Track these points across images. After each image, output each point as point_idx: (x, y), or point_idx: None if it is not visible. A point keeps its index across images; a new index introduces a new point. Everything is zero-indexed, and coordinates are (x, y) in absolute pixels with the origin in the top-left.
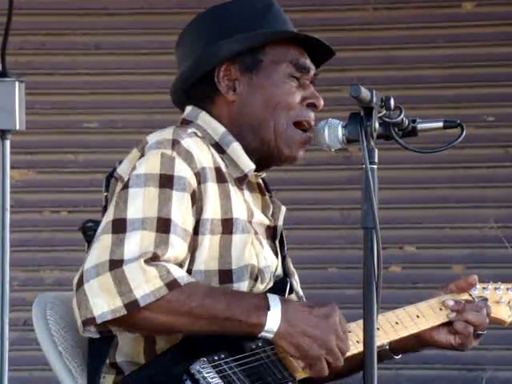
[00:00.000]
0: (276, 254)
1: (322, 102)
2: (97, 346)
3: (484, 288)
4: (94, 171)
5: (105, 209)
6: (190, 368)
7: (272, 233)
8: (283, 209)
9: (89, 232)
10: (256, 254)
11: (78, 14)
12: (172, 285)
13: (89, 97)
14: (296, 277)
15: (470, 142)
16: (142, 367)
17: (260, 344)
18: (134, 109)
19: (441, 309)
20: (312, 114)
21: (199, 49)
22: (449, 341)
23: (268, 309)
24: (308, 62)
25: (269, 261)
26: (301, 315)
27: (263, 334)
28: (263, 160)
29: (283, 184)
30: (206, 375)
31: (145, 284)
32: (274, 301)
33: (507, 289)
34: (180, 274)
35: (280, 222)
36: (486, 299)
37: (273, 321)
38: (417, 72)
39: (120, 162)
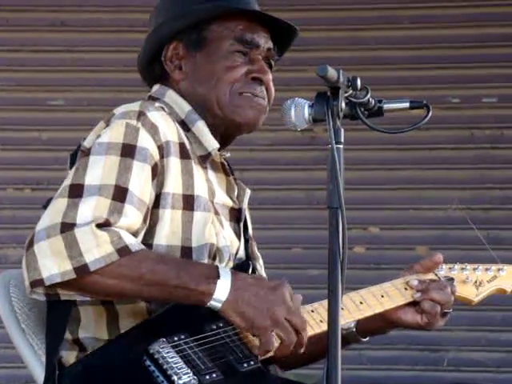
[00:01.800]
0: (239, 237)
1: (269, 77)
2: (54, 320)
3: (450, 268)
4: (59, 149)
5: None
6: (149, 348)
7: (236, 215)
8: (248, 192)
9: None
10: (216, 233)
11: None
12: (123, 251)
13: (54, 74)
14: (260, 261)
15: (435, 124)
16: (103, 347)
17: (221, 324)
18: (100, 86)
19: (406, 288)
20: (258, 87)
21: (151, 28)
22: (416, 320)
23: (218, 278)
24: (257, 36)
25: (228, 241)
26: (249, 286)
27: (211, 302)
28: (225, 133)
29: (248, 164)
30: (165, 355)
31: (95, 248)
32: (225, 271)
33: (474, 269)
34: (132, 240)
35: (245, 205)
36: (452, 279)
37: (221, 290)
38: (383, 53)
39: (85, 139)
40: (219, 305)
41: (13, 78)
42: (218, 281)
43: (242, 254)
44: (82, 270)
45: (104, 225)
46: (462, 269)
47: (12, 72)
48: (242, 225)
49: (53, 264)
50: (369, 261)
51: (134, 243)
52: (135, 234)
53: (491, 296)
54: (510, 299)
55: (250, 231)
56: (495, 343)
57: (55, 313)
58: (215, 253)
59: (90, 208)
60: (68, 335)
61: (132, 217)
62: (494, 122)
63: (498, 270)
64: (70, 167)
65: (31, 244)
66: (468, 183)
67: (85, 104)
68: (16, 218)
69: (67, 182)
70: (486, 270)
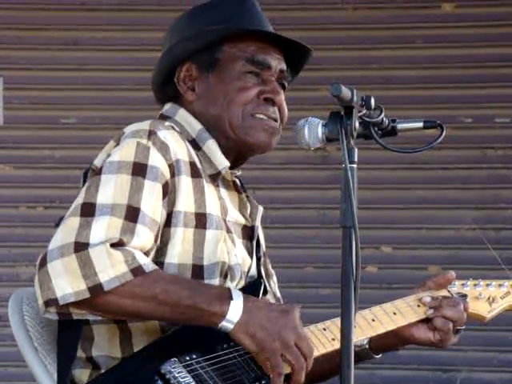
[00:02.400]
0: (251, 255)
1: (281, 97)
2: (65, 338)
3: (463, 284)
4: (71, 167)
5: None
6: (161, 368)
7: (249, 233)
8: (261, 209)
9: None
10: (227, 252)
11: (57, 8)
12: (137, 270)
13: (66, 92)
14: (274, 278)
15: (447, 143)
16: (115, 367)
17: (233, 344)
18: (112, 105)
19: (418, 305)
20: (271, 108)
21: (165, 48)
22: (428, 337)
23: (231, 299)
24: (269, 57)
25: (240, 259)
26: (261, 309)
27: (223, 323)
28: (238, 154)
29: (260, 183)
30: (176, 375)
31: (110, 268)
32: (237, 293)
33: (487, 285)
34: (145, 260)
35: (257, 223)
36: (465, 295)
37: (234, 311)
38: (396, 72)
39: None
40: (231, 326)
41: (25, 96)
42: (231, 302)
43: (253, 272)
44: (96, 289)
45: (118, 244)
46: (475, 285)
47: (25, 90)
48: (254, 243)
49: (67, 283)
50: (381, 280)
51: (148, 263)
52: (147, 254)
53: (503, 315)
54: None
55: (264, 249)
56: (507, 363)
57: (67, 332)
58: (226, 271)
59: (103, 228)
60: (81, 353)
61: (144, 237)
62: (506, 142)
63: None
64: (83, 185)
65: (44, 263)
66: (480, 203)
67: (97, 122)
68: (28, 236)
69: (79, 200)
70: (500, 286)
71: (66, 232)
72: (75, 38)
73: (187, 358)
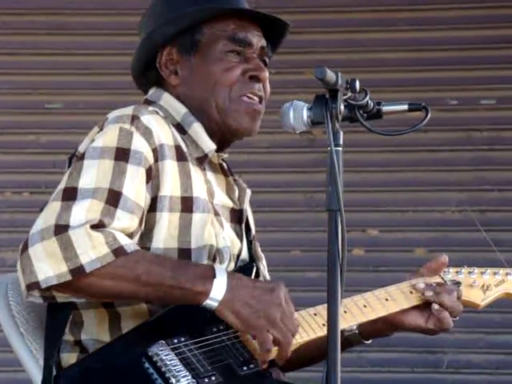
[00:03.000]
0: (241, 238)
1: (265, 74)
2: (53, 322)
3: (457, 272)
4: (56, 152)
5: None
6: (148, 350)
7: (237, 216)
8: (248, 192)
9: None
10: (215, 234)
11: None
12: (118, 251)
13: (52, 77)
14: (264, 261)
15: (433, 126)
16: (101, 349)
17: (222, 327)
18: (98, 90)
19: (411, 292)
20: (256, 85)
21: (144, 32)
22: (419, 324)
23: (214, 277)
24: (250, 35)
25: (228, 241)
26: (245, 286)
27: (208, 301)
28: (222, 137)
29: (246, 166)
30: (163, 358)
31: (91, 250)
32: (220, 271)
33: (481, 273)
34: (127, 241)
35: (246, 206)
36: (459, 283)
37: (217, 289)
38: (380, 55)
39: None
40: (215, 304)
41: (10, 82)
42: (215, 280)
43: (245, 255)
44: (77, 271)
45: (98, 226)
46: (470, 273)
47: (10, 75)
48: (243, 226)
49: (48, 266)
50: (368, 263)
51: (129, 244)
52: (130, 237)
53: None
54: (509, 301)
55: (253, 232)
56: (494, 345)
57: (54, 315)
58: (215, 254)
59: (84, 210)
60: (70, 337)
61: (125, 220)
62: (491, 124)
63: (507, 274)
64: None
65: (26, 247)
66: (466, 185)
67: (82, 107)
68: (14, 221)
69: (61, 185)
70: (494, 273)
71: (47, 216)
72: (61, 22)
73: (175, 341)
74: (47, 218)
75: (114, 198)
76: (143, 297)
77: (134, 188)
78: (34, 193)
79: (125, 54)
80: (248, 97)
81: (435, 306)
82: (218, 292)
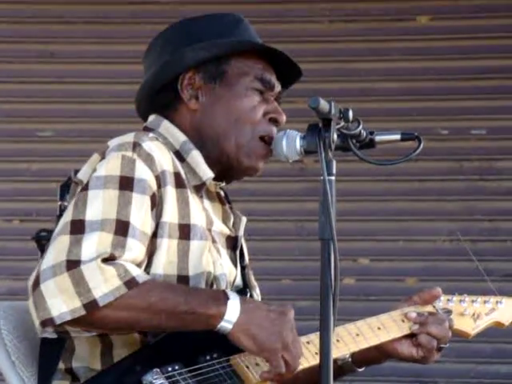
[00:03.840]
0: (235, 265)
1: (284, 118)
2: (48, 350)
3: (448, 300)
4: (48, 180)
5: (59, 218)
6: (142, 379)
7: (232, 243)
8: (244, 219)
9: (42, 241)
10: (213, 262)
11: (33, 22)
12: (130, 283)
13: (43, 105)
14: (257, 290)
15: (424, 155)
16: (96, 377)
17: (215, 355)
18: (89, 118)
19: (403, 321)
20: (274, 129)
21: (164, 57)
22: (411, 353)
23: (227, 299)
24: (273, 78)
25: (225, 269)
26: (259, 309)
27: (222, 324)
28: (224, 170)
29: (238, 195)
30: None
31: (103, 283)
32: (232, 294)
33: (472, 301)
34: (138, 272)
35: (241, 233)
36: (450, 311)
37: (232, 311)
38: (373, 84)
39: (75, 171)
40: (230, 326)
41: (1, 110)
42: (228, 302)
43: (239, 281)
44: (91, 305)
45: (109, 259)
46: (461, 301)
47: (1, 103)
48: (238, 252)
49: (62, 302)
50: (358, 292)
51: (140, 274)
52: (139, 266)
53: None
54: (500, 331)
55: (247, 259)
56: (485, 375)
57: (49, 344)
58: (212, 281)
59: (94, 244)
60: (61, 365)
61: (135, 250)
62: (482, 154)
63: (497, 302)
64: (60, 198)
65: (37, 284)
66: (457, 215)
67: (74, 135)
68: (5, 249)
69: (67, 218)
70: (485, 302)
71: (57, 251)
72: (51, 50)
73: (169, 369)
74: (57, 253)
75: (122, 229)
76: (157, 325)
77: (140, 217)
78: (24, 221)
79: (116, 82)
80: (265, 139)
81: (422, 338)
82: (232, 314)
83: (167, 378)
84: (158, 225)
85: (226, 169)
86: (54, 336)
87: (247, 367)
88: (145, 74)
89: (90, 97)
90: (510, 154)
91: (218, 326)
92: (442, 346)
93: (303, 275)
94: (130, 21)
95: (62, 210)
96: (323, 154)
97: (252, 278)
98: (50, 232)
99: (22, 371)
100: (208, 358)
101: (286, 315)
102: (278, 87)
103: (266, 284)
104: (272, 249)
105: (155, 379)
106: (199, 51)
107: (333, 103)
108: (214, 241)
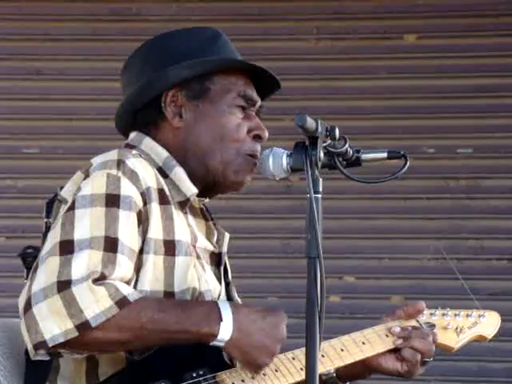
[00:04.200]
0: (220, 281)
1: (267, 134)
2: (34, 371)
3: (432, 314)
4: (34, 197)
5: (45, 235)
6: None
7: (216, 259)
8: (227, 236)
9: (28, 258)
10: (198, 278)
11: (20, 39)
12: (122, 302)
13: (29, 122)
14: None
15: (410, 173)
16: None
17: (201, 372)
18: (75, 135)
19: (387, 335)
20: (258, 146)
21: (146, 74)
22: (396, 367)
23: (220, 319)
24: (255, 94)
25: (211, 285)
26: (252, 324)
27: (215, 342)
28: (208, 187)
29: (224, 212)
30: None
31: (95, 304)
32: (226, 309)
33: (455, 315)
34: (129, 291)
35: (224, 249)
36: (433, 325)
37: (224, 331)
38: (359, 103)
39: (61, 188)
40: (222, 344)
41: None
42: (221, 323)
43: (223, 298)
44: (83, 326)
45: (100, 278)
46: (444, 314)
47: None
48: (222, 269)
49: (54, 325)
50: (344, 310)
51: (131, 293)
52: (128, 283)
53: (467, 346)
54: (486, 349)
55: (230, 276)
56: None
57: (35, 366)
58: (197, 297)
59: (84, 263)
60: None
61: (125, 266)
62: (469, 172)
63: (479, 316)
64: (46, 216)
65: (29, 307)
66: (443, 233)
67: (60, 152)
68: None
69: (55, 239)
70: (467, 316)
71: (48, 273)
72: (38, 67)
73: None
74: (48, 275)
75: (111, 245)
76: (149, 344)
77: (128, 233)
78: (10, 237)
79: (102, 99)
80: (251, 155)
81: (406, 352)
82: (224, 333)
83: None
84: (144, 241)
85: (210, 185)
86: (47, 358)
87: None
88: (123, 91)
89: (77, 114)
90: (497, 173)
91: (211, 343)
92: (426, 359)
93: (289, 293)
94: (117, 38)
95: (48, 227)
96: (310, 172)
97: (235, 294)
98: (36, 249)
99: None
100: (194, 375)
101: (278, 327)
102: (258, 102)
103: (252, 301)
104: (258, 266)
105: None
106: (184, 70)
107: (319, 121)
108: (198, 257)
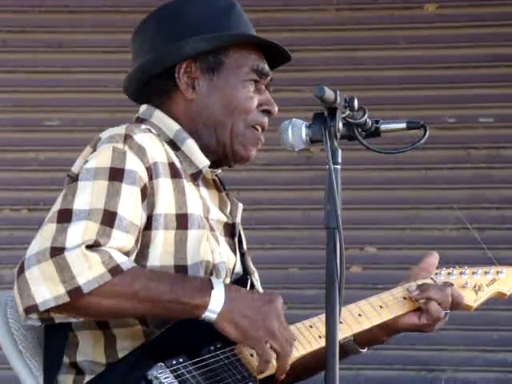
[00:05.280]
0: (234, 252)
1: (276, 109)
2: (52, 345)
3: (449, 273)
4: (55, 169)
5: None
6: (147, 374)
7: (230, 230)
8: (240, 206)
9: None
10: (211, 250)
11: (40, 11)
12: (115, 270)
13: (50, 95)
14: (256, 275)
15: (431, 144)
16: (101, 374)
17: (219, 345)
18: (96, 107)
19: (404, 298)
20: (266, 119)
21: (160, 43)
22: (414, 322)
23: (212, 290)
24: (266, 67)
25: (224, 257)
26: (243, 298)
27: (206, 314)
28: (218, 159)
29: (244, 184)
30: (163, 380)
31: (87, 270)
32: (218, 283)
33: (473, 273)
34: (123, 259)
35: (238, 220)
36: (451, 284)
37: (216, 301)
38: (379, 73)
39: None
40: (214, 316)
41: (9, 99)
42: (212, 292)
43: (239, 268)
44: (75, 292)
45: (94, 246)
46: (461, 273)
47: (8, 93)
48: (236, 239)
49: (46, 289)
50: (366, 280)
51: (125, 261)
52: (126, 255)
53: (487, 314)
54: (507, 319)
55: (245, 246)
56: (492, 363)
57: (52, 337)
58: (211, 270)
59: (79, 232)
60: (65, 359)
61: (121, 239)
62: (490, 142)
63: (497, 272)
64: None
65: (22, 270)
66: (464, 203)
67: (81, 124)
68: (13, 238)
69: (56, 207)
70: (485, 273)
71: (43, 238)
72: (59, 40)
73: (174, 363)
74: (43, 240)
75: (109, 219)
76: (141, 313)
77: (130, 207)
78: (32, 210)
79: (122, 71)
80: (257, 128)
81: (421, 300)
82: (216, 304)
83: (172, 371)
84: (151, 217)
85: (220, 157)
86: (38, 323)
87: (252, 355)
88: (134, 56)
89: (97, 86)
90: None
91: (203, 315)
92: (444, 312)
93: (310, 264)
94: (137, 10)
95: None
96: (329, 143)
97: (251, 263)
98: None
99: (30, 360)
100: (212, 348)
101: (272, 303)
102: (270, 75)
103: (273, 272)
104: (279, 237)
105: (160, 373)
106: (200, 43)
107: (338, 92)
108: (211, 229)
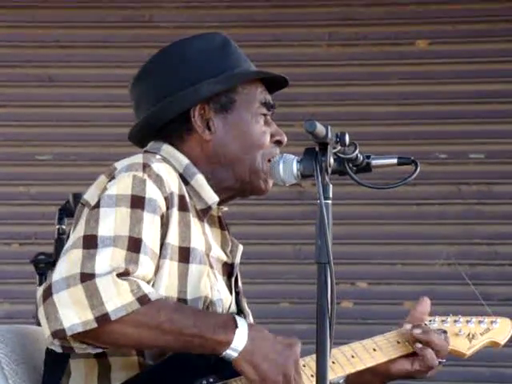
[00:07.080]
0: (230, 291)
1: (286, 138)
2: (51, 376)
3: (443, 321)
4: (46, 203)
5: (57, 241)
6: None
7: (228, 270)
8: (241, 247)
9: (40, 265)
10: (210, 287)
11: (32, 46)
12: (143, 299)
13: (42, 129)
14: (250, 317)
15: (422, 179)
16: None
17: (211, 380)
18: (87, 141)
19: (398, 342)
20: (278, 150)
21: (171, 89)
22: (405, 368)
23: (236, 327)
24: (271, 98)
25: (222, 295)
26: (265, 339)
27: (228, 351)
28: (233, 195)
29: (235, 218)
30: None
31: (116, 298)
32: (242, 321)
33: (467, 321)
34: (150, 289)
35: (237, 260)
36: (444, 332)
37: (239, 339)
38: (370, 108)
39: (74, 194)
40: (235, 354)
41: (1, 133)
42: (237, 330)
43: (233, 308)
44: (103, 319)
45: (123, 274)
46: (455, 321)
47: (0, 127)
48: (233, 279)
49: (74, 314)
50: (356, 316)
51: (152, 292)
52: (148, 283)
53: (481, 351)
54: (499, 354)
55: (240, 286)
56: None
57: (52, 368)
58: (208, 306)
59: (107, 258)
60: None
61: (147, 267)
62: (481, 178)
63: (492, 322)
64: (58, 222)
65: (49, 294)
66: (455, 238)
67: (72, 158)
68: (4, 272)
69: (79, 233)
70: (480, 322)
71: (70, 263)
72: (50, 74)
73: None
74: (70, 265)
75: (134, 245)
76: (163, 345)
77: (151, 235)
78: (23, 244)
79: (113, 106)
80: (270, 161)
81: (418, 345)
82: (239, 342)
83: None
84: (162, 245)
85: (235, 194)
86: (60, 350)
87: None
88: (139, 104)
89: (88, 120)
90: (509, 178)
91: (224, 353)
92: (439, 360)
93: (301, 298)
94: (129, 45)
95: (60, 234)
96: (320, 178)
97: (245, 305)
98: (48, 255)
99: None
100: (204, 382)
101: (292, 348)
102: (275, 107)
103: (264, 307)
104: (270, 272)
105: None
106: (215, 85)
107: (329, 127)
108: (211, 266)
